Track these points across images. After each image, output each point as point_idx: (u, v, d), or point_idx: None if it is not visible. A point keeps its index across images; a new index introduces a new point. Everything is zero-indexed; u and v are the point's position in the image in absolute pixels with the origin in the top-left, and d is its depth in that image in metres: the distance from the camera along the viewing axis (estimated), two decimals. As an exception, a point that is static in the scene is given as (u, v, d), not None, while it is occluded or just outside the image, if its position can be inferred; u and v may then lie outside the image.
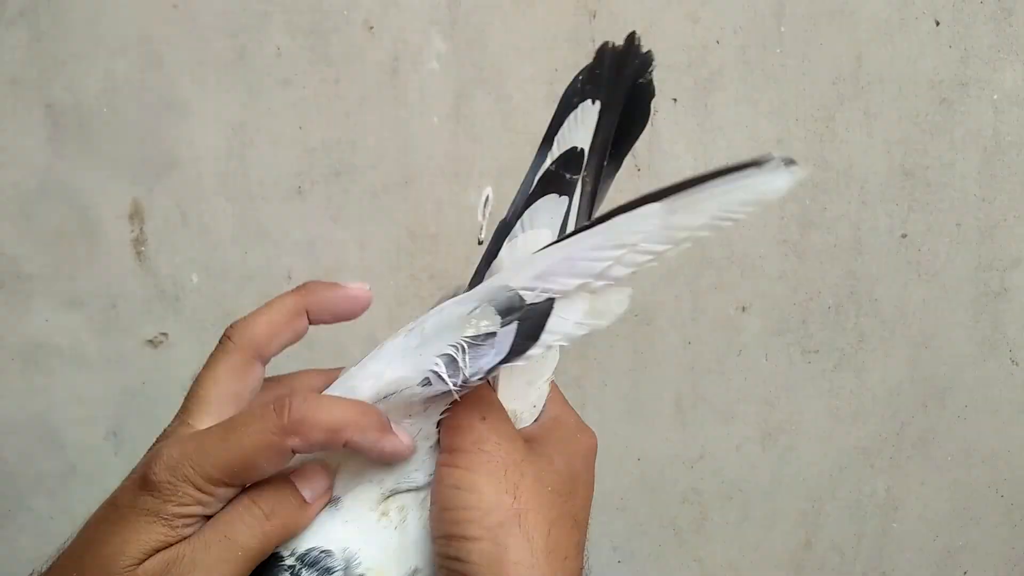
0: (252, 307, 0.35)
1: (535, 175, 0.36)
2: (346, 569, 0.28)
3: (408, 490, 0.30)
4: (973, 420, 0.86)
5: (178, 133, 0.82)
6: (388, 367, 0.29)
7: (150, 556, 0.26)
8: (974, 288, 0.83)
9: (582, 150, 0.35)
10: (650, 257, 0.27)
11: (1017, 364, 0.85)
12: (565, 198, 0.34)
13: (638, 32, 0.38)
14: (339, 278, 0.34)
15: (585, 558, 0.31)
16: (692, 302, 0.85)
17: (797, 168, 0.27)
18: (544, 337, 0.28)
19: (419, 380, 0.28)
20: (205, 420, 0.30)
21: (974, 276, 0.83)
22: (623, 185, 0.83)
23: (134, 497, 0.27)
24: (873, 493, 0.89)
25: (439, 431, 0.30)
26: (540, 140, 0.37)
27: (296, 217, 0.83)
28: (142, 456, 0.30)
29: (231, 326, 0.32)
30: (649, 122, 0.37)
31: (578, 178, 0.35)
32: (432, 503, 0.29)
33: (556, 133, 0.36)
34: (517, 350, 0.27)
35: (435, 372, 0.28)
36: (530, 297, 0.27)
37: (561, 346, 0.29)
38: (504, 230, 0.36)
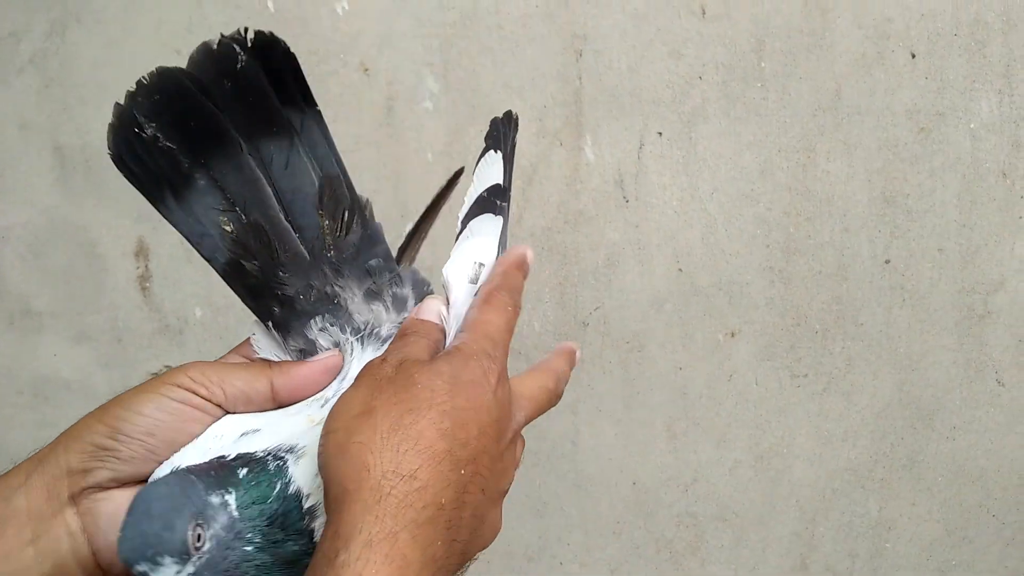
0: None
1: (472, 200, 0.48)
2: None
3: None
4: (962, 440, 0.88)
5: (182, 173, 0.85)
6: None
7: None
8: (958, 311, 0.85)
9: (500, 184, 0.46)
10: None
11: (1003, 384, 0.87)
12: (500, 217, 0.45)
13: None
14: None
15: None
16: (681, 328, 0.88)
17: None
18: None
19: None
20: None
21: (958, 300, 0.85)
22: (612, 216, 0.86)
23: None
24: (866, 514, 0.90)
25: None
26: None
27: (296, 252, 0.86)
28: None
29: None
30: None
31: (507, 204, 0.46)
32: None
33: (474, 172, 0.49)
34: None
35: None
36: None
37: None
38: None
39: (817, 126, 0.83)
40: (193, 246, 0.39)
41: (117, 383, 0.92)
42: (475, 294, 0.40)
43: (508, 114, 0.52)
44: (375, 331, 0.41)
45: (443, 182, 0.50)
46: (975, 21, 0.80)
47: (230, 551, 0.33)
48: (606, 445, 0.91)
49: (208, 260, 0.40)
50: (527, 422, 0.39)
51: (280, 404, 0.38)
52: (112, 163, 0.38)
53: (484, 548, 0.36)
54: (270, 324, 0.40)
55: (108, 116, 0.39)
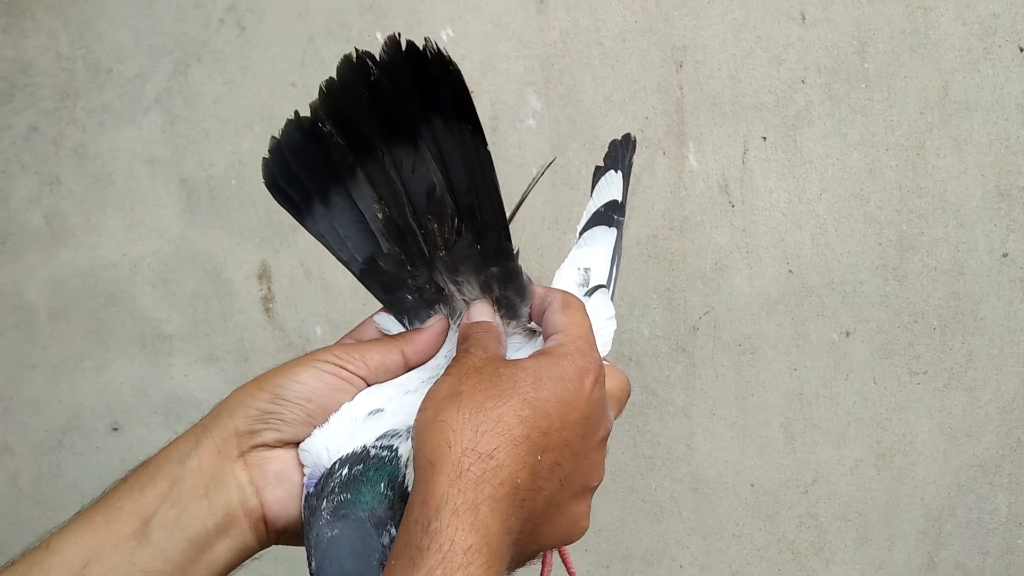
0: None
1: (589, 213, 0.55)
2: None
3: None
4: (1090, 434, 0.86)
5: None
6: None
7: None
8: (1079, 302, 0.84)
9: (617, 200, 0.53)
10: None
11: None
12: (614, 229, 0.52)
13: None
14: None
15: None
16: (794, 329, 0.88)
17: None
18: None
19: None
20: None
21: (1078, 290, 0.84)
22: (718, 220, 0.87)
23: None
24: (995, 510, 0.89)
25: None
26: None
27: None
28: None
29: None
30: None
31: (622, 218, 0.53)
32: None
33: (593, 189, 0.56)
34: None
35: None
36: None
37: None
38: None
39: (925, 123, 0.83)
40: (333, 253, 0.42)
41: (243, 401, 0.97)
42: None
43: (627, 136, 0.58)
44: None
45: (540, 179, 0.57)
46: (1086, 10, 0.79)
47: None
48: (722, 448, 0.91)
49: (346, 264, 0.42)
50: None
51: (410, 368, 0.43)
52: (264, 189, 0.40)
53: (566, 543, 0.38)
54: (400, 313, 0.44)
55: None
